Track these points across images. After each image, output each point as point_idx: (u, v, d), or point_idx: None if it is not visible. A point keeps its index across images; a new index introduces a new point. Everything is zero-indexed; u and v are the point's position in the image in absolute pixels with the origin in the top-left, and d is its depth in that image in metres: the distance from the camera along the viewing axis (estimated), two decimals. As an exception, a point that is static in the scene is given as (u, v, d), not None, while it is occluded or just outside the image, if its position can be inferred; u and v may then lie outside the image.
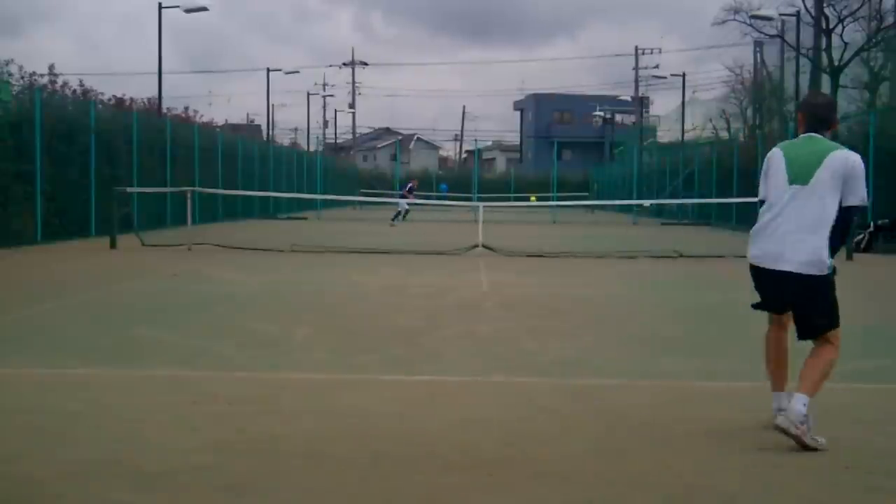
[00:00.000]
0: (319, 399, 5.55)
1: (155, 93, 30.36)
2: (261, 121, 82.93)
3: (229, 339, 7.54)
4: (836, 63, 41.06)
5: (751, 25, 44.18)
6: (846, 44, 41.42)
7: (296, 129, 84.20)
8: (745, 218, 27.60)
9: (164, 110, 30.98)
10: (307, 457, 4.33)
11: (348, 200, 44.34)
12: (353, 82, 77.68)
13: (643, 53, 60.94)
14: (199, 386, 5.78)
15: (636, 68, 60.54)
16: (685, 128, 49.02)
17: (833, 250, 4.65)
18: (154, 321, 8.51)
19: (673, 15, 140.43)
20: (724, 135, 53.37)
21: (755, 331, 7.19)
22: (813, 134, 4.82)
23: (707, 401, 5.66)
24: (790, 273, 4.64)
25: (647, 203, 39.28)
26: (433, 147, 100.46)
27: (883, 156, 20.17)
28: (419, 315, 9.11)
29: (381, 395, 5.64)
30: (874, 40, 41.42)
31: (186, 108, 45.26)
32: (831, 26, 41.01)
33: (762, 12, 35.49)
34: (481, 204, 20.92)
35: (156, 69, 29.84)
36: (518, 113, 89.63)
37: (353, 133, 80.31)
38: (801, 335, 4.78)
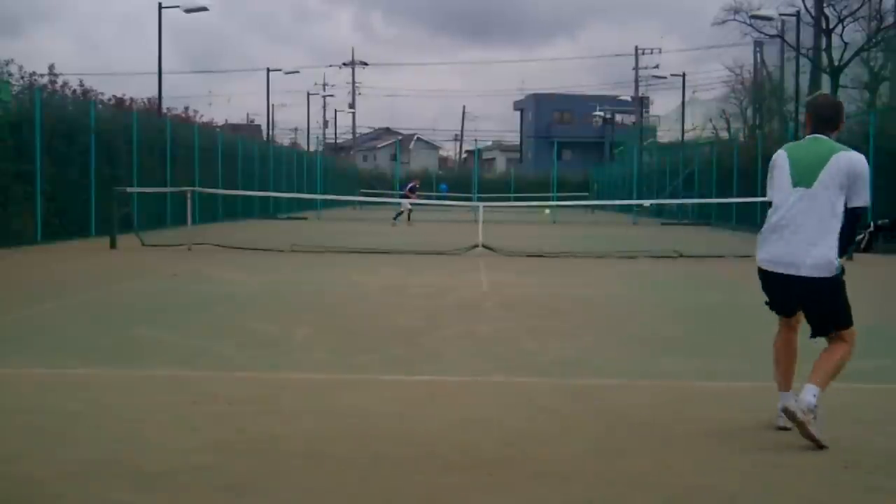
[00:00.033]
0: (319, 399, 5.55)
1: (155, 93, 30.41)
2: (261, 121, 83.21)
3: (229, 339, 7.54)
4: (836, 63, 41.08)
5: (751, 25, 44.26)
6: (846, 44, 41.46)
7: (296, 129, 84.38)
8: (745, 218, 27.64)
9: (164, 110, 31.00)
10: (307, 457, 4.33)
11: (348, 200, 44.36)
12: (353, 82, 77.76)
13: (643, 53, 61.01)
14: (199, 386, 5.78)
15: (636, 68, 60.60)
16: (685, 128, 49.00)
17: (840, 251, 4.66)
18: (154, 321, 8.51)
19: (673, 15, 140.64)
20: (724, 135, 53.36)
21: (755, 331, 7.20)
22: (818, 135, 4.82)
23: (707, 401, 5.66)
24: (799, 277, 4.65)
25: (647, 203, 39.27)
26: (433, 147, 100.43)
27: (883, 156, 20.15)
28: (419, 315, 9.11)
29: (381, 395, 5.64)
30: (874, 40, 41.44)
31: (186, 108, 45.47)
32: (831, 26, 41.06)
33: (762, 12, 35.45)
34: (481, 204, 20.94)
35: (156, 69, 29.85)
36: (518, 113, 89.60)
37: (353, 133, 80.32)
38: (815, 333, 4.81)
